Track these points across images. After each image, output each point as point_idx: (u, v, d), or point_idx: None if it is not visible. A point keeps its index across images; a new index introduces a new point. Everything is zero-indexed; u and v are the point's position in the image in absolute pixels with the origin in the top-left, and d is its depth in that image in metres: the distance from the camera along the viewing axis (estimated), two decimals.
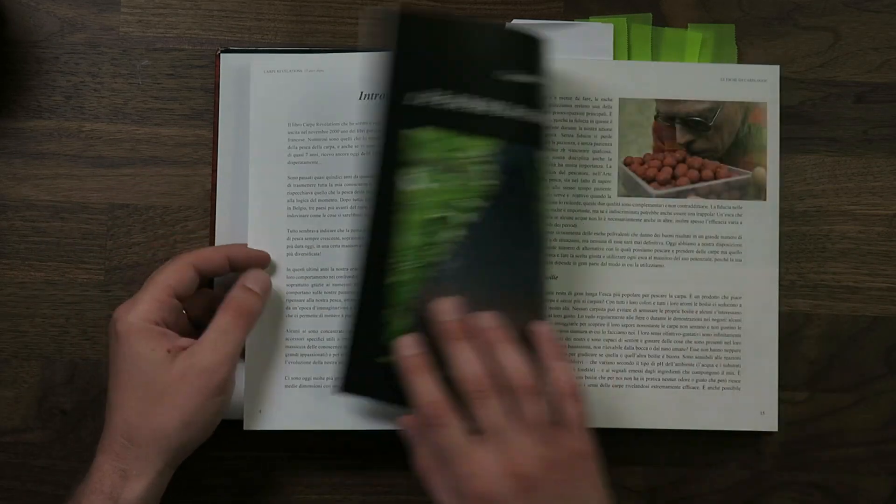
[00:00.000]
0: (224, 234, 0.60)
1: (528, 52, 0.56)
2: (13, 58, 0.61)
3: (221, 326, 0.53)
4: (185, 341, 0.53)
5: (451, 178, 0.55)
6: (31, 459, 0.60)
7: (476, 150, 0.55)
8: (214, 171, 0.60)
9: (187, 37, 0.62)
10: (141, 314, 0.52)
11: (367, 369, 0.55)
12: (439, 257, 0.55)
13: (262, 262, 0.58)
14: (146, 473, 0.51)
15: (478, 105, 0.55)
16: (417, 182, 0.55)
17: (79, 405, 0.61)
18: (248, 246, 0.59)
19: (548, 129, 0.57)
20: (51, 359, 0.61)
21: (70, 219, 0.61)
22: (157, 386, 0.51)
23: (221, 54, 0.61)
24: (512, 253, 0.55)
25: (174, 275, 0.54)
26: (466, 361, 0.51)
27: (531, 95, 0.56)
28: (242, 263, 0.57)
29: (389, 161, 0.55)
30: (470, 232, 0.55)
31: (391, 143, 0.55)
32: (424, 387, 0.51)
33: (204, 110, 0.62)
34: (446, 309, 0.53)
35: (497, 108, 0.55)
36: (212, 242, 0.60)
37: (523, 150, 0.55)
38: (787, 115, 0.62)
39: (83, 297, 0.61)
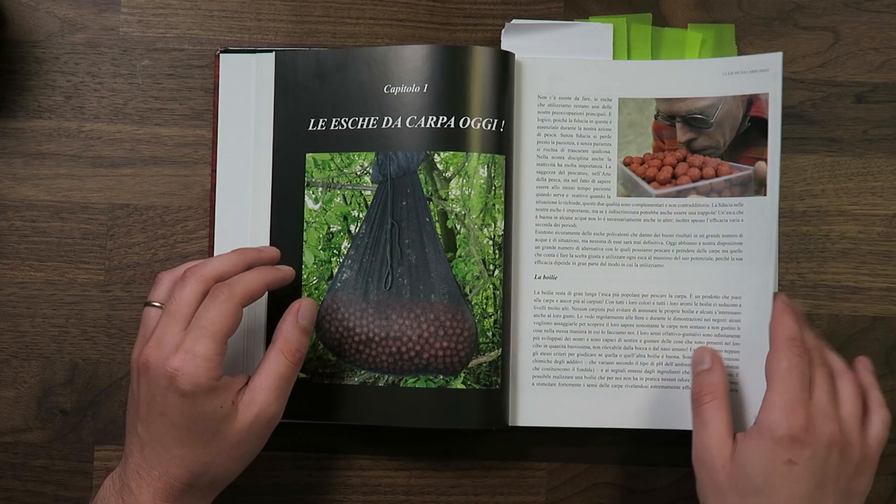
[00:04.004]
0: (224, 234, 0.60)
1: (415, 63, 0.59)
2: (13, 58, 0.61)
3: (281, 371, 0.52)
4: (238, 383, 0.52)
5: (335, 195, 0.59)
6: (31, 459, 0.60)
7: (355, 165, 0.59)
8: (214, 171, 0.60)
9: (187, 37, 0.62)
10: (208, 372, 0.50)
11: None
12: (335, 270, 0.59)
13: (291, 279, 0.56)
14: None
15: (367, 122, 0.59)
16: (314, 202, 0.59)
17: (79, 405, 0.61)
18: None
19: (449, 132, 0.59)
20: (51, 359, 0.61)
21: (70, 219, 0.61)
22: (225, 439, 0.51)
23: (221, 54, 0.61)
24: (415, 255, 0.59)
25: (230, 321, 0.51)
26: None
27: (420, 104, 0.58)
28: (277, 286, 0.56)
29: (296, 182, 0.60)
30: (359, 242, 0.59)
31: (297, 166, 0.60)
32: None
33: (204, 110, 0.62)
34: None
35: (386, 121, 0.59)
36: (211, 242, 0.60)
37: (412, 156, 0.58)
38: (787, 115, 0.62)
39: (83, 297, 0.61)
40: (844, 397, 0.54)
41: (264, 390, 0.52)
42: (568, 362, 0.60)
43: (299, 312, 0.54)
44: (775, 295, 0.57)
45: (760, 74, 0.61)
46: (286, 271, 0.56)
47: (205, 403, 0.50)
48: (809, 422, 0.52)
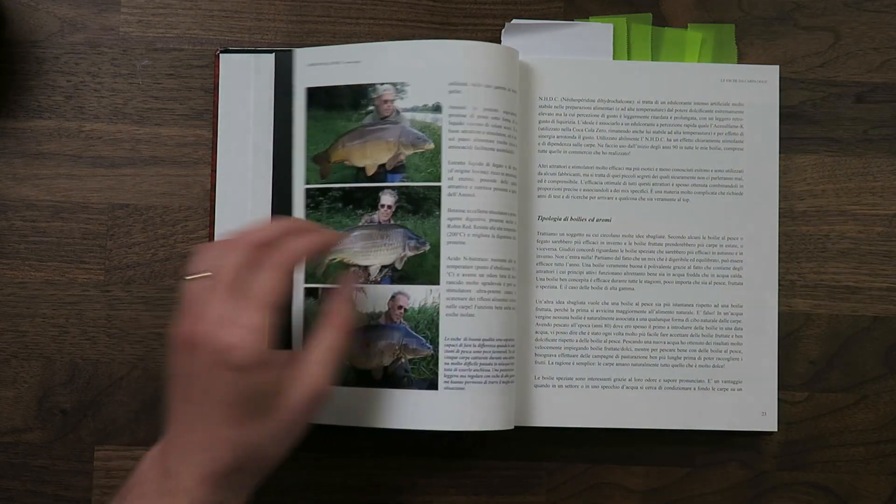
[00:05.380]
0: (224, 235, 0.60)
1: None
2: (13, 58, 0.61)
3: (332, 345, 0.50)
4: (282, 357, 0.49)
5: None
6: (31, 459, 0.60)
7: None
8: (214, 171, 0.60)
9: (187, 37, 0.62)
10: (259, 345, 0.47)
11: None
12: None
13: (336, 243, 0.56)
14: (241, 498, 0.49)
15: None
16: None
17: (79, 405, 0.61)
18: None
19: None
20: (51, 359, 0.61)
21: (70, 219, 0.61)
22: (276, 417, 0.48)
23: (221, 54, 0.61)
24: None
25: (280, 290, 0.49)
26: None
27: None
28: (326, 252, 0.56)
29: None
30: None
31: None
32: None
33: (204, 110, 0.62)
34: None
35: None
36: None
37: None
38: (787, 115, 0.62)
39: (83, 297, 0.61)
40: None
41: (319, 364, 0.49)
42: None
43: (344, 289, 0.54)
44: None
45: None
46: (331, 234, 0.55)
47: (258, 378, 0.47)
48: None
